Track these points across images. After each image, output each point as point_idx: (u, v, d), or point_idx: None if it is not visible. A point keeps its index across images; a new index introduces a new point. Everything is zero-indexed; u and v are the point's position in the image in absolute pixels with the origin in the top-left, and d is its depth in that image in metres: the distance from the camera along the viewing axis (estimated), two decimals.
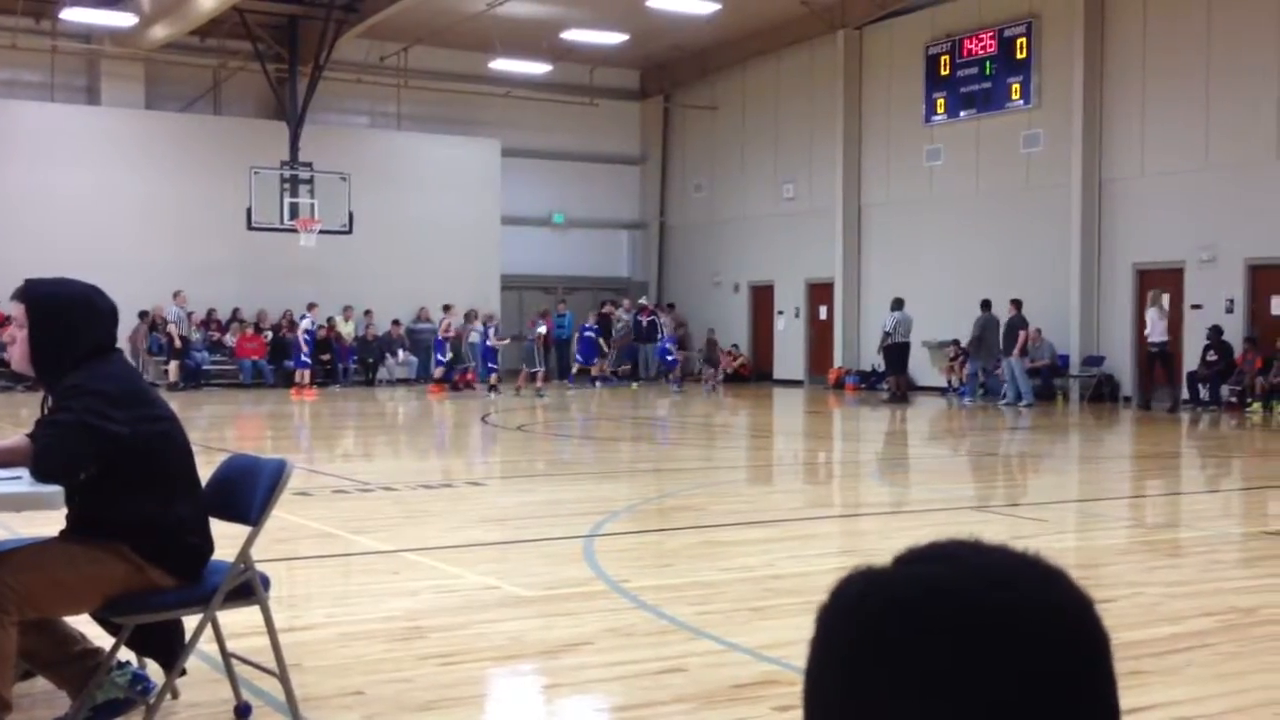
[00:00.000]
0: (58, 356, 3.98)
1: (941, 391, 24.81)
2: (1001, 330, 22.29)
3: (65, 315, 4.00)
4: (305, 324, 24.91)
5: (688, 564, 7.49)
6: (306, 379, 24.77)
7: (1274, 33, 20.07)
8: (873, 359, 26.22)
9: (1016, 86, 23.96)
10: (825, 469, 14.37)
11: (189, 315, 26.14)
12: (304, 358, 24.79)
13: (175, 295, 25.35)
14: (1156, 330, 20.57)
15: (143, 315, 24.97)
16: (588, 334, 26.49)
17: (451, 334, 25.76)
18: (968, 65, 24.86)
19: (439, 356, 25.87)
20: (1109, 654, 0.98)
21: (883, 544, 8.23)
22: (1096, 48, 22.58)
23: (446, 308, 26.56)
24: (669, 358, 26.62)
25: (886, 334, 23.65)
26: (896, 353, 23.59)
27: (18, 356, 4.04)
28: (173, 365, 25.12)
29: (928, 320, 24.37)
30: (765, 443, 17.65)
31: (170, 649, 4.24)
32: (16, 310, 4.04)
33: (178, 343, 25.09)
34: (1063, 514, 10.22)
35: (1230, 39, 20.62)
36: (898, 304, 23.66)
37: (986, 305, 22.55)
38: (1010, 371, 22.20)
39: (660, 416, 20.90)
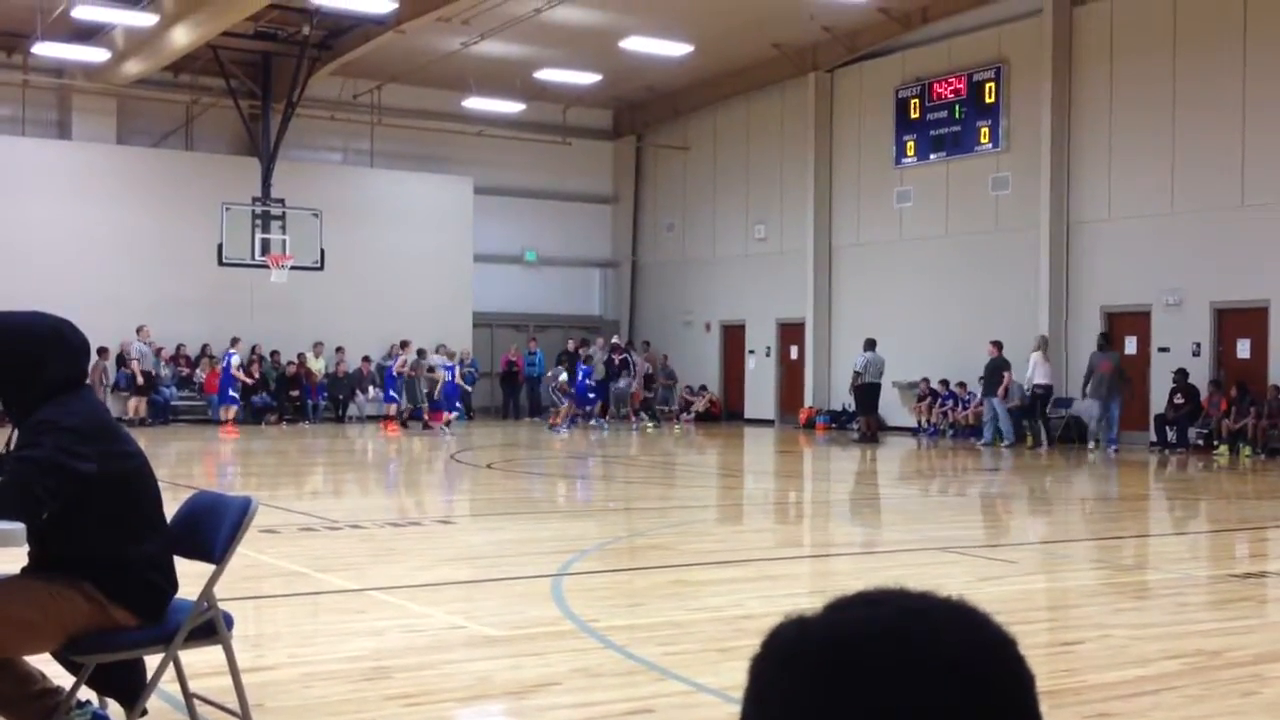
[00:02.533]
0: (26, 389, 3.94)
1: (913, 432, 24.89)
2: (984, 370, 22.47)
3: (36, 348, 3.97)
4: (234, 360, 24.67)
5: (657, 604, 7.46)
6: (231, 415, 24.44)
7: (1238, 79, 20.37)
8: (843, 399, 26.33)
9: (985, 130, 24.20)
10: (795, 509, 14.36)
11: (158, 351, 25.97)
12: (231, 393, 24.46)
13: (139, 330, 25.16)
14: (1040, 374, 21.79)
15: (101, 351, 24.35)
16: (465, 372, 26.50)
17: (407, 370, 25.79)
18: (937, 109, 25.11)
19: (391, 393, 25.95)
20: (1034, 690, 1.02)
21: (852, 584, 8.16)
22: (1064, 93, 22.85)
23: (404, 344, 26.44)
24: (590, 395, 26.58)
25: (857, 374, 23.74)
26: (867, 393, 23.67)
27: None
28: (133, 401, 24.83)
29: (898, 361, 24.45)
30: (735, 482, 17.64)
31: (131, 688, 4.19)
32: None
33: (140, 379, 24.80)
34: (1031, 555, 10.25)
35: (1196, 85, 20.91)
36: (869, 344, 23.75)
37: (1106, 340, 21.24)
38: (991, 411, 22.33)
39: (631, 455, 20.86)
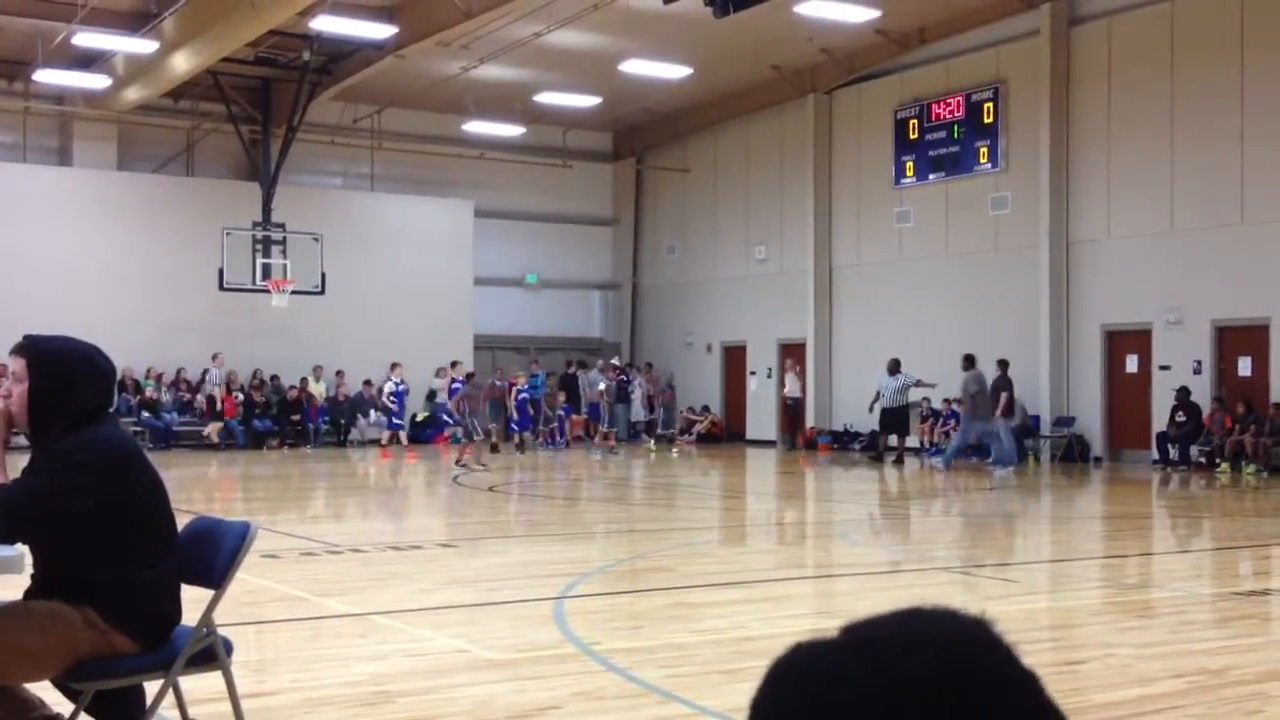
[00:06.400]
0: (55, 413, 3.94)
1: (915, 452, 24.84)
2: (988, 390, 22.32)
3: (67, 372, 3.96)
4: (389, 386, 25.29)
5: (659, 626, 7.44)
6: (388, 438, 24.95)
7: (1237, 97, 20.42)
8: (844, 419, 26.38)
9: (984, 150, 24.26)
10: (797, 529, 14.33)
11: (158, 376, 26.03)
12: (395, 420, 25.18)
13: (214, 357, 26.34)
14: (793, 389, 26.32)
15: None
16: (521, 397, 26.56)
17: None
18: (936, 129, 25.17)
19: (448, 417, 26.20)
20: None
21: (854, 605, 8.20)
22: (1062, 112, 22.90)
23: (454, 364, 26.49)
24: (511, 422, 26.25)
25: (879, 394, 23.54)
26: (885, 415, 23.40)
27: (15, 411, 4.00)
28: (213, 427, 25.48)
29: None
30: (737, 503, 17.61)
31: (130, 715, 4.17)
32: (16, 364, 3.99)
33: (220, 404, 25.65)
34: (1034, 574, 10.22)
35: (1194, 103, 20.96)
36: (892, 368, 23.38)
37: (971, 361, 21.53)
38: (997, 432, 22.17)
39: (633, 476, 20.83)
